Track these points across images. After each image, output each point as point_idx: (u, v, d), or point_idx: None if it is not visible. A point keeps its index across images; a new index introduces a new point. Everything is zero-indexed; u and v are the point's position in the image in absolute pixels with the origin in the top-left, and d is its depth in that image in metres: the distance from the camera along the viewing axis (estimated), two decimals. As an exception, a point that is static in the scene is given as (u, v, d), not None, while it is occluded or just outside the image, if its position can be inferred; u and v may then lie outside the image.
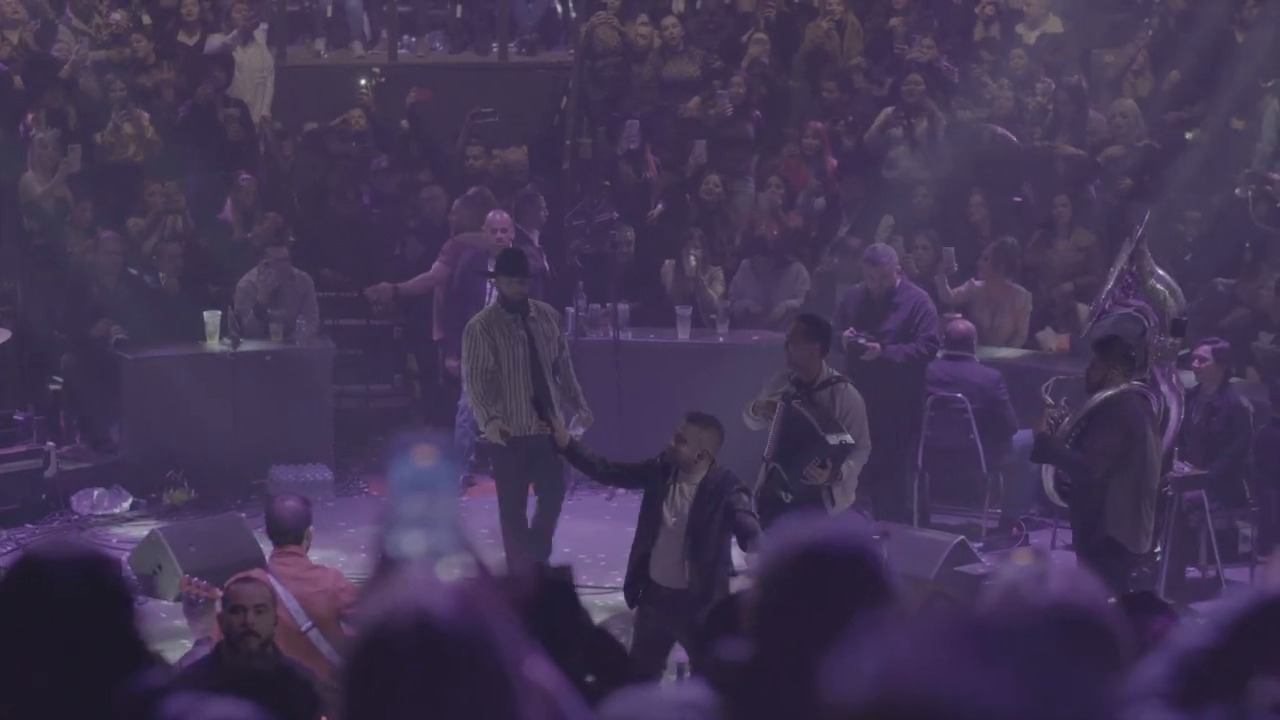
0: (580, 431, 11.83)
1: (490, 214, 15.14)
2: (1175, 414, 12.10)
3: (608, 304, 15.33)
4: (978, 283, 15.32)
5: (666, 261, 16.42)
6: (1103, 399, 10.95)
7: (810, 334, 11.19)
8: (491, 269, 12.99)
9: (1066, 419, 11.12)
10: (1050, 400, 11.35)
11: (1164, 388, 11.88)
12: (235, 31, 18.22)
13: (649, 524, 10.21)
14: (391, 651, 2.53)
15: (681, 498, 10.05)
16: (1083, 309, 14.32)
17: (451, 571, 2.77)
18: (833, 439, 10.80)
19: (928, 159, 16.72)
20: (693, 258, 16.06)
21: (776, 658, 3.17)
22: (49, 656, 3.21)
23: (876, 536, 5.35)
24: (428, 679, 2.51)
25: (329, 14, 19.88)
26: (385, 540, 2.89)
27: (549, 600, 4.68)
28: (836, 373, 11.24)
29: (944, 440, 13.87)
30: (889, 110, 17.03)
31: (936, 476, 14.05)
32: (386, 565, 2.88)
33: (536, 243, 15.58)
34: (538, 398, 11.51)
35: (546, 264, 15.33)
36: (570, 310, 15.02)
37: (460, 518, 2.90)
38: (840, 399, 11.05)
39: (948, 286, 15.23)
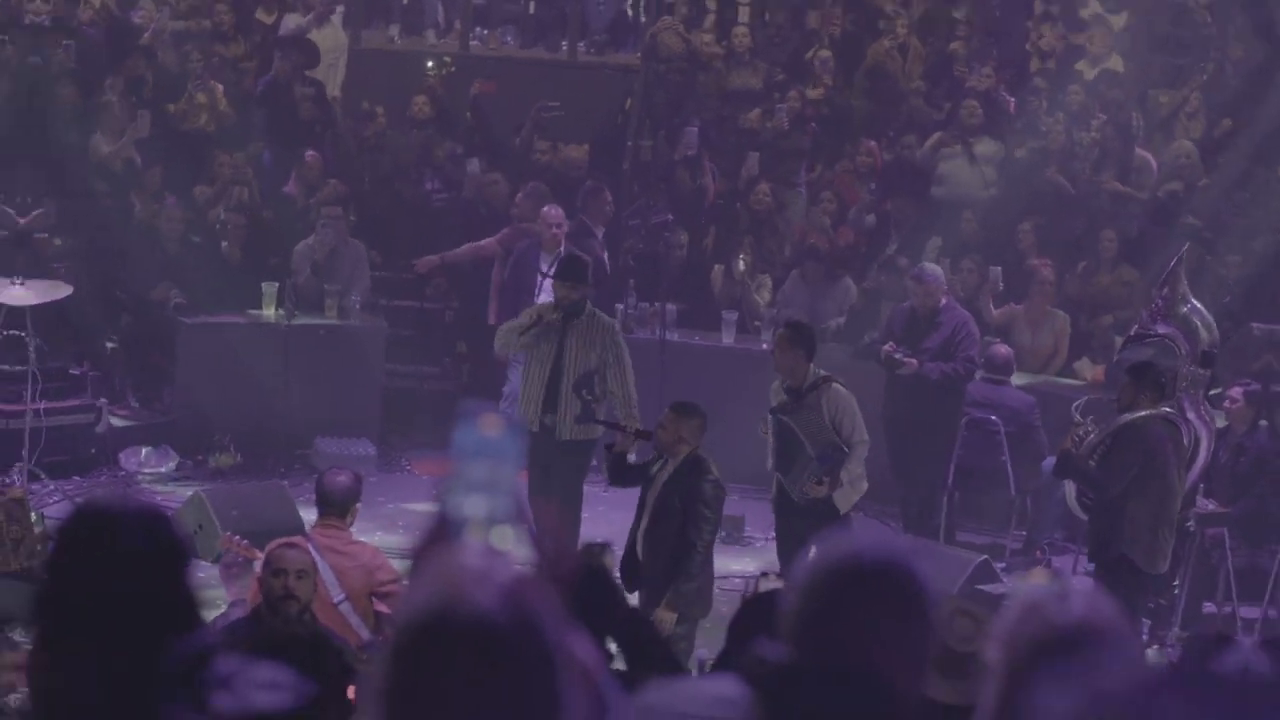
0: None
1: (545, 208, 15.08)
2: (1205, 443, 12.23)
3: (657, 303, 15.52)
4: (1017, 306, 15.51)
5: (716, 266, 16.60)
6: (1128, 420, 11.13)
7: (795, 340, 11.40)
8: (546, 270, 13.16)
9: (1092, 435, 11.33)
10: (1079, 418, 11.57)
11: (1191, 415, 12.01)
12: (311, 15, 18.48)
13: (639, 509, 10.55)
14: (440, 646, 2.52)
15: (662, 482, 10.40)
16: (1120, 341, 14.47)
17: (505, 539, 2.85)
18: (824, 462, 11.07)
19: (986, 179, 16.89)
20: (742, 261, 16.21)
21: (813, 664, 3.22)
22: (109, 607, 3.14)
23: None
24: (476, 673, 2.51)
25: (405, 1, 20.13)
26: (444, 502, 2.92)
27: (585, 584, 4.84)
28: (824, 373, 11.43)
29: (975, 460, 14.01)
30: (940, 134, 17.23)
31: (965, 495, 14.21)
32: (443, 526, 2.92)
33: (600, 237, 15.73)
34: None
35: (607, 258, 15.50)
36: (620, 307, 15.21)
37: (519, 488, 2.97)
38: (827, 399, 11.26)
39: (991, 306, 15.42)
